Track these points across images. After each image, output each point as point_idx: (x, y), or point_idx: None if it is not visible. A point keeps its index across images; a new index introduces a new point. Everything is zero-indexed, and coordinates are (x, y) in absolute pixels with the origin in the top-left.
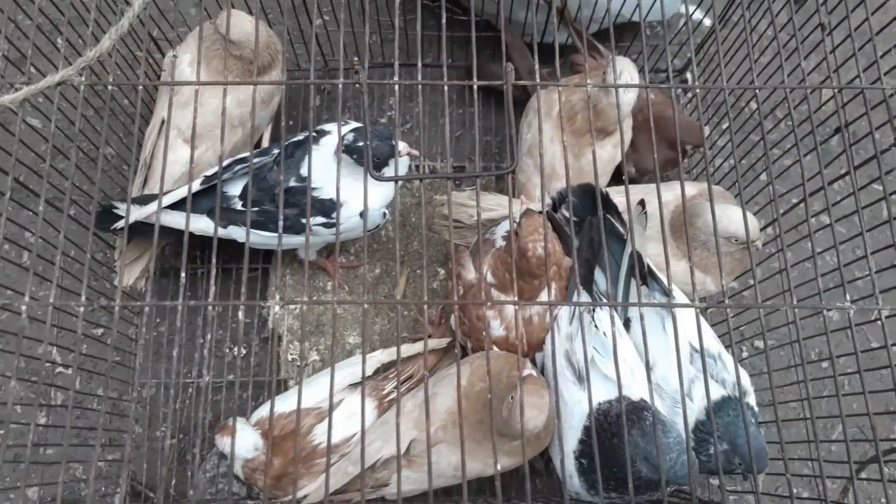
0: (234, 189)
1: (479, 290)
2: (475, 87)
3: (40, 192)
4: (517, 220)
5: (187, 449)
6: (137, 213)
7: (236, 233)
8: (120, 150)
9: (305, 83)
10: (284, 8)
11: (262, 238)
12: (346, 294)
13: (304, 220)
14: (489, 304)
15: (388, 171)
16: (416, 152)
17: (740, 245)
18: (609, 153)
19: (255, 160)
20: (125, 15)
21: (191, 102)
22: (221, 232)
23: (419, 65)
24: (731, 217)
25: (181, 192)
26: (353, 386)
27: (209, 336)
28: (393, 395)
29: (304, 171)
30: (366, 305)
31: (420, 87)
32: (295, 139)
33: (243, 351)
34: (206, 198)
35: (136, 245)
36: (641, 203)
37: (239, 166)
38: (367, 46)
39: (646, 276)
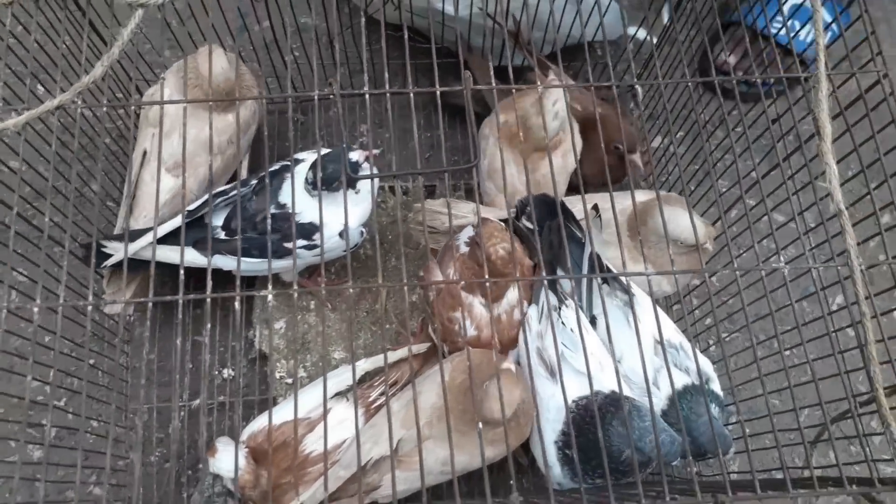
0: (217, 220)
1: (448, 294)
2: (438, 93)
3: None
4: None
5: (182, 472)
6: (130, 250)
7: (221, 262)
8: (103, 182)
9: (284, 97)
10: (257, 46)
11: (248, 265)
12: (330, 311)
13: (286, 245)
14: (463, 282)
15: (360, 184)
16: (374, 152)
17: (690, 247)
18: (558, 163)
19: (235, 192)
20: (115, 44)
21: (172, 132)
22: (206, 262)
23: (387, 86)
24: (679, 222)
25: (168, 227)
26: (339, 395)
27: (201, 359)
28: (379, 402)
29: (282, 199)
30: (350, 290)
31: (389, 112)
32: (271, 169)
33: (232, 373)
34: (189, 230)
35: (120, 276)
36: (595, 207)
37: (219, 199)
38: (338, 77)
39: (605, 274)
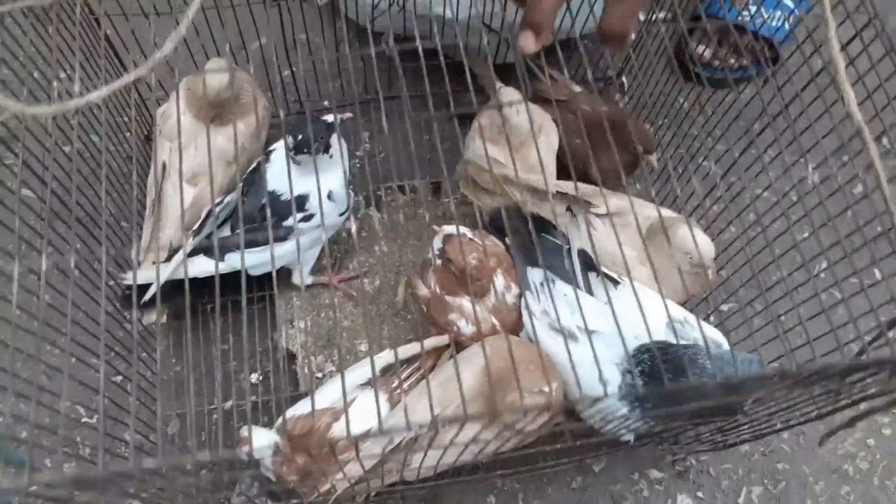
0: (225, 231)
1: (437, 301)
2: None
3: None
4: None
5: (218, 476)
6: (163, 276)
7: (233, 259)
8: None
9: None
10: (253, 63)
11: (257, 256)
12: (353, 307)
13: (285, 224)
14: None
15: (333, 150)
16: (348, 115)
17: (697, 266)
18: (543, 144)
19: (228, 198)
20: (182, 22)
21: (189, 145)
22: (223, 266)
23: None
24: (692, 240)
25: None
26: (363, 386)
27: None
28: (400, 389)
29: (270, 187)
30: (362, 279)
31: (386, 117)
32: (250, 169)
33: (259, 376)
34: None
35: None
36: (569, 210)
37: (218, 208)
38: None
39: (596, 267)
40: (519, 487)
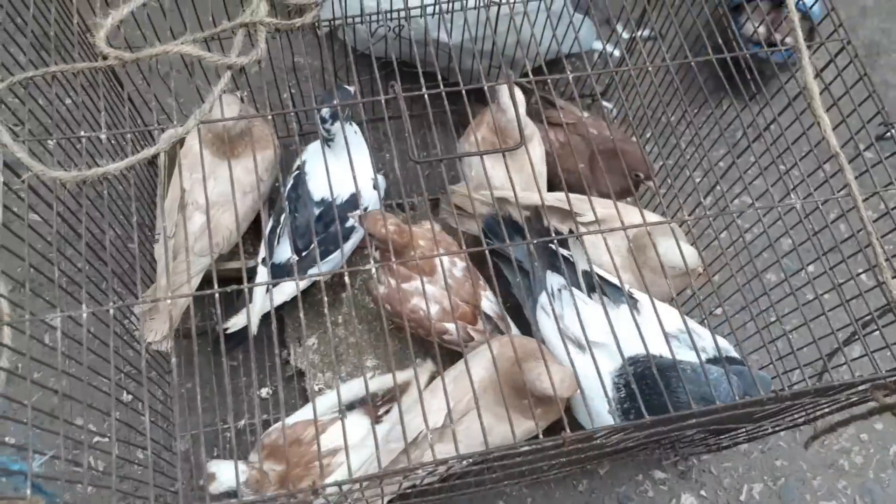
0: (285, 254)
1: (394, 293)
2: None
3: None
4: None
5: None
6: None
7: (313, 271)
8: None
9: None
10: (254, 87)
11: (330, 263)
12: (358, 323)
13: (347, 225)
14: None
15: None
16: (352, 87)
17: (683, 272)
18: (537, 152)
19: (272, 223)
20: (223, 78)
21: (208, 177)
22: (303, 284)
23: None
24: (676, 251)
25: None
26: (355, 405)
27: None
28: (385, 416)
29: (316, 197)
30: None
31: (389, 133)
32: (288, 186)
33: (270, 391)
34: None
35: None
36: (571, 232)
37: (273, 237)
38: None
39: (601, 285)
40: (527, 493)
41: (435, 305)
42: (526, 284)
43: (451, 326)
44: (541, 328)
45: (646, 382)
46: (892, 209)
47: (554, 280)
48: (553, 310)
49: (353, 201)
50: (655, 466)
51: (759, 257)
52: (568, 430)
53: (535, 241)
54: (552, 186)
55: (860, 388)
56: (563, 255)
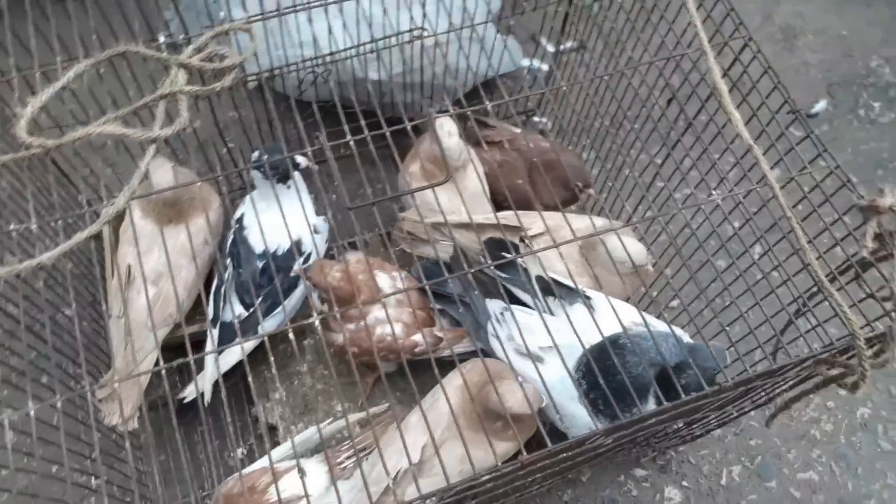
0: (236, 309)
1: (358, 334)
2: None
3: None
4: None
5: None
6: (203, 386)
7: (268, 325)
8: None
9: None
10: (191, 147)
11: (277, 318)
12: (324, 370)
13: (292, 274)
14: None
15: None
16: (313, 166)
17: (632, 269)
18: (474, 180)
19: (217, 282)
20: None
21: (152, 248)
22: (248, 345)
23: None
24: (622, 248)
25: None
26: (310, 453)
27: (209, 446)
28: (346, 463)
29: (257, 250)
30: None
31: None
32: (228, 241)
33: (245, 450)
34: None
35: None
36: (522, 240)
37: (220, 289)
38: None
39: (553, 290)
40: None
41: (398, 324)
42: (472, 317)
43: (418, 338)
44: (498, 355)
45: (603, 362)
46: (809, 193)
47: (495, 306)
48: (499, 335)
49: (298, 247)
50: (635, 465)
51: (706, 244)
52: (549, 444)
53: (472, 270)
54: (497, 204)
55: (805, 364)
56: (505, 276)
